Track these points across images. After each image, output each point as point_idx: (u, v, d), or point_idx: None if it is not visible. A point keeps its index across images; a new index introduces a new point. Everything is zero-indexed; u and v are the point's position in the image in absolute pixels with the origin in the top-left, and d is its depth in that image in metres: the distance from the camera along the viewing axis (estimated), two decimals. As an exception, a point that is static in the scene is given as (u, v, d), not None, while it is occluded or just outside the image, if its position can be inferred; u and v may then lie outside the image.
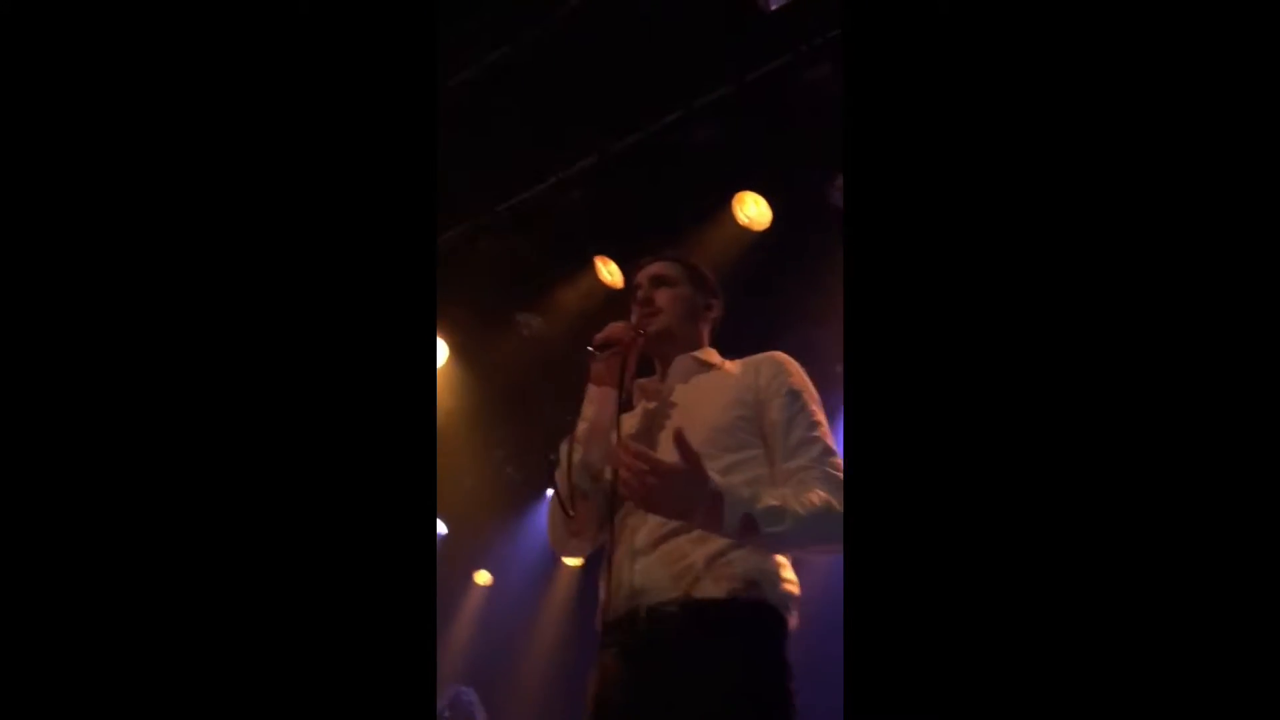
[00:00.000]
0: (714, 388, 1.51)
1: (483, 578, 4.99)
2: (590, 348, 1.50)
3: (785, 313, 3.20)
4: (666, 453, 1.41)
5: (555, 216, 3.36)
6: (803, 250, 3.19)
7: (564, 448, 1.51)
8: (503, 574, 4.87)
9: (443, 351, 3.71)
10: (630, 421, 1.57)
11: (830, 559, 1.27)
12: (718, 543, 1.32)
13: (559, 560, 4.67)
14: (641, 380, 1.59)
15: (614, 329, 1.53)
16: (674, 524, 1.34)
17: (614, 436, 1.48)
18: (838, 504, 1.29)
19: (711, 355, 1.59)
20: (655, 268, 1.63)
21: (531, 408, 3.95)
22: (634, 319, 1.57)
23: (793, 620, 1.35)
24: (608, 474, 1.47)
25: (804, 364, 1.50)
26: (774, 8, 2.64)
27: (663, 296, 1.60)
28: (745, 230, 3.16)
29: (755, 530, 1.24)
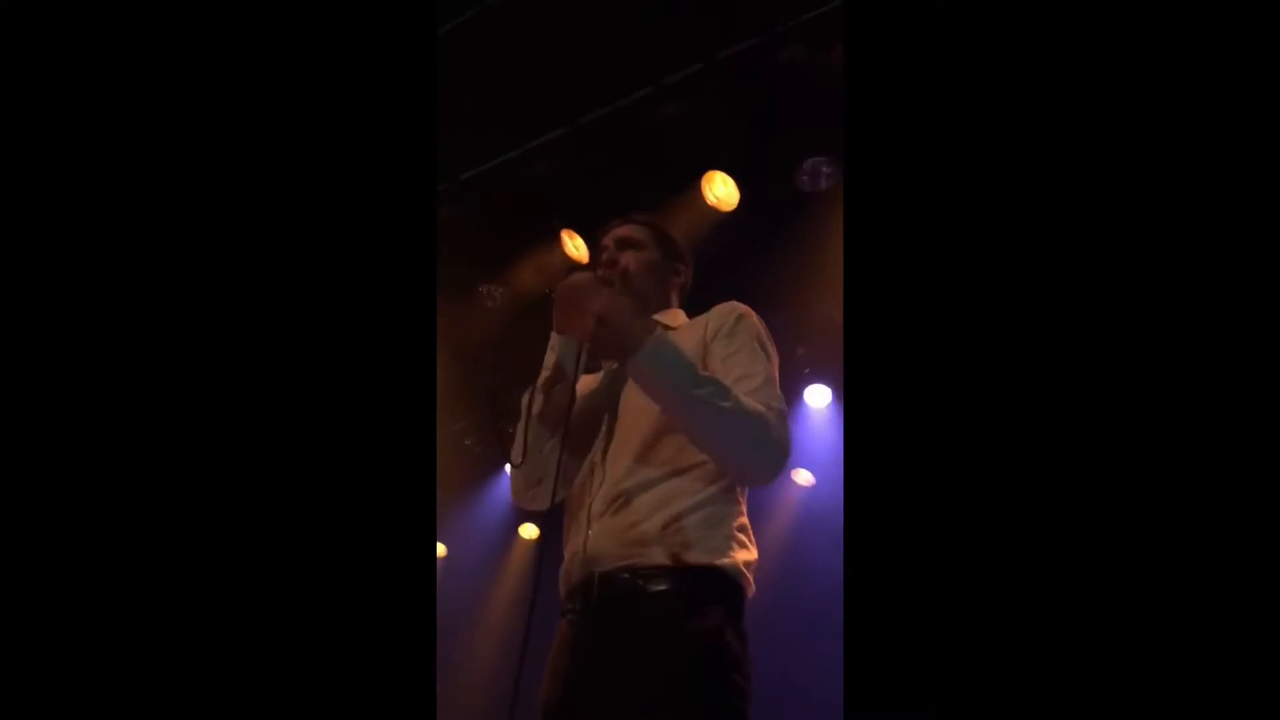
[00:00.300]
0: None
1: (438, 550, 4.98)
2: (550, 293, 1.47)
3: (750, 294, 3.20)
4: (625, 415, 1.43)
5: (521, 188, 3.33)
6: (769, 232, 3.19)
7: (525, 397, 1.49)
8: (458, 547, 4.86)
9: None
10: (591, 382, 1.57)
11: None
12: (671, 508, 1.30)
13: (515, 533, 4.66)
14: None
15: (575, 276, 1.49)
16: (627, 487, 1.33)
17: (574, 386, 1.46)
18: (741, 418, 1.26)
19: (674, 317, 1.58)
20: (623, 230, 1.62)
21: (493, 380, 3.92)
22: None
23: (749, 587, 1.33)
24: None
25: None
26: (749, -14, 2.62)
27: (629, 257, 1.58)
28: (713, 210, 3.16)
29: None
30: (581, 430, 1.48)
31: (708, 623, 1.25)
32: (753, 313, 1.48)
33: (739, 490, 1.38)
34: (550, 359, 1.50)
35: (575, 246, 3.44)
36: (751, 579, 1.34)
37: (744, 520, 1.37)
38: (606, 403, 1.49)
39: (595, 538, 1.34)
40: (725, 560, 1.30)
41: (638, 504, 1.32)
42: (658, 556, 1.28)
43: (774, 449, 1.30)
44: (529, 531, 4.66)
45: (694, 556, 1.28)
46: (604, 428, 1.47)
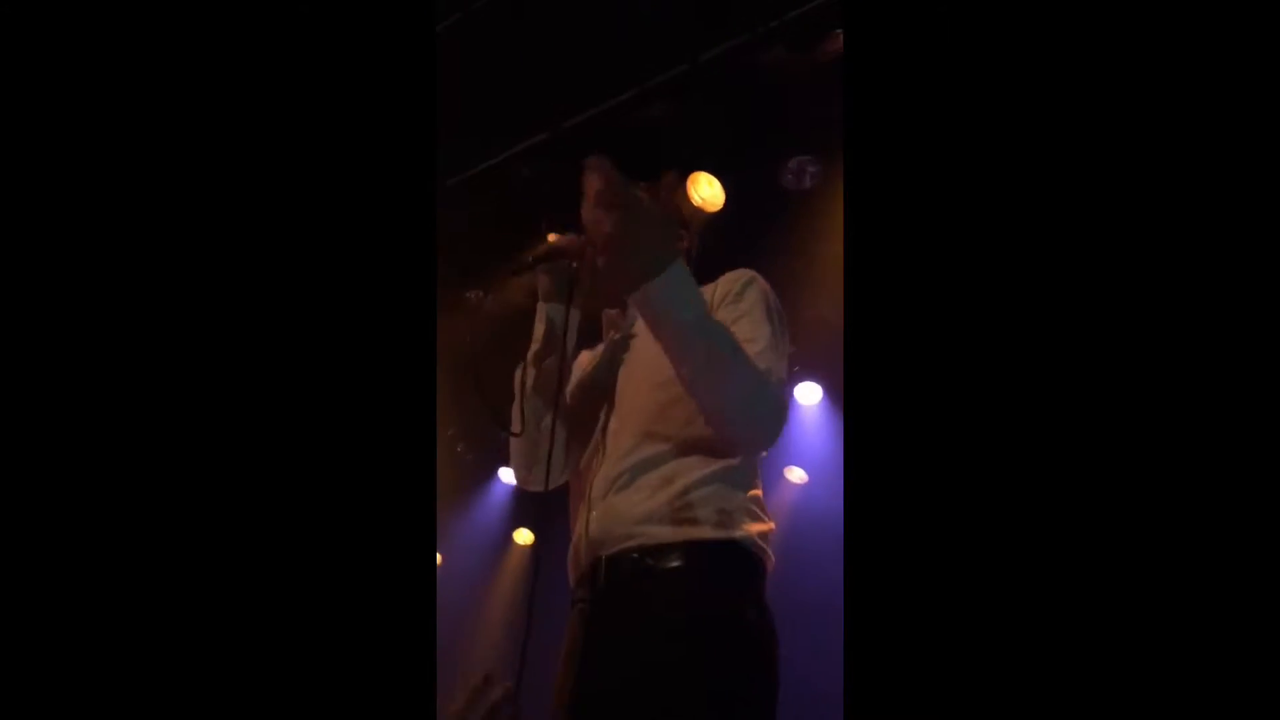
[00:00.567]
0: None
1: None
2: (531, 258, 1.39)
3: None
4: (626, 389, 1.35)
5: (507, 192, 3.32)
6: (756, 232, 3.19)
7: (517, 373, 1.42)
8: (453, 554, 4.84)
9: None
10: (591, 358, 1.49)
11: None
12: (678, 484, 1.22)
13: (510, 540, 4.65)
14: (609, 310, 1.49)
15: (559, 239, 1.40)
16: (628, 467, 1.25)
17: (566, 357, 1.38)
18: (745, 371, 1.16)
19: None
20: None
21: (483, 385, 3.91)
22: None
23: (768, 560, 1.24)
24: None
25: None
26: (729, -13, 2.63)
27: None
28: (698, 210, 3.16)
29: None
30: (583, 409, 1.41)
31: (725, 599, 1.17)
32: (762, 280, 1.39)
33: (753, 462, 1.30)
34: (539, 329, 1.42)
35: (562, 250, 3.43)
36: (770, 551, 1.25)
37: (757, 492, 1.29)
38: (607, 379, 1.40)
39: (597, 520, 1.25)
40: (739, 533, 1.21)
41: (642, 482, 1.24)
42: (666, 534, 1.20)
43: (772, 410, 1.21)
44: (524, 537, 4.65)
45: (705, 531, 1.19)
46: (605, 405, 1.38)
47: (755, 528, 1.24)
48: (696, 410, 1.23)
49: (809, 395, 3.69)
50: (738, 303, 1.34)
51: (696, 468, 1.24)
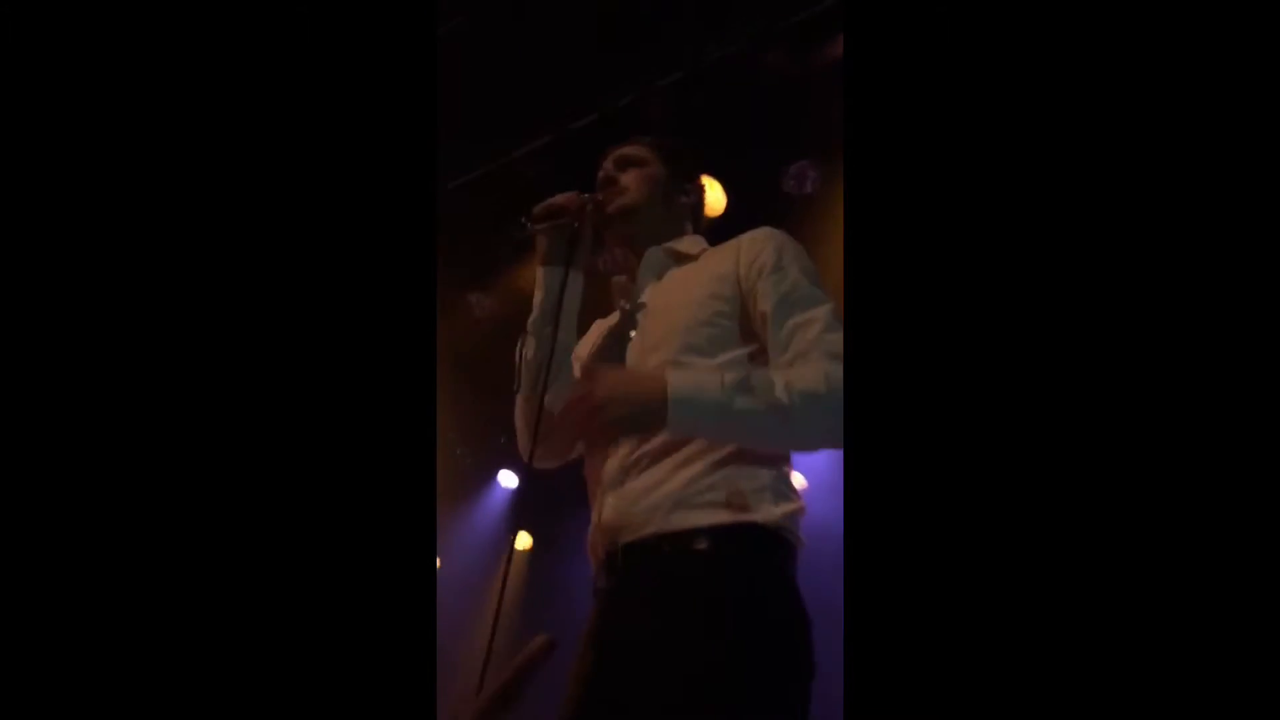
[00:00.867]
0: (690, 282, 1.27)
1: (432, 561, 4.94)
2: (526, 220, 1.30)
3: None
4: (638, 365, 1.22)
5: (509, 195, 3.33)
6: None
7: (519, 344, 1.32)
8: (452, 559, 4.84)
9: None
10: (603, 327, 1.37)
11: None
12: (696, 465, 1.14)
13: (510, 545, 4.64)
14: (617, 278, 1.38)
15: (558, 198, 1.30)
16: (643, 449, 1.16)
17: (568, 323, 1.29)
18: (827, 386, 1.08)
19: (690, 244, 1.35)
20: (624, 149, 1.40)
21: (483, 389, 3.91)
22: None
23: (797, 541, 1.16)
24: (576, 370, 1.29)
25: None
26: (732, -9, 2.63)
27: (630, 176, 1.35)
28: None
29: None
30: None
31: (751, 586, 1.09)
32: (786, 236, 1.27)
33: None
34: (538, 296, 1.33)
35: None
36: (799, 532, 1.17)
37: (784, 470, 1.20)
38: (618, 354, 1.28)
39: (614, 506, 1.17)
40: (764, 515, 1.13)
41: (661, 465, 1.15)
42: (687, 519, 1.11)
43: (820, 422, 1.10)
44: (523, 542, 4.64)
45: (728, 515, 1.11)
46: None
47: (782, 508, 1.15)
48: None
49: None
50: (780, 275, 1.19)
51: (717, 448, 1.16)
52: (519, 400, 1.34)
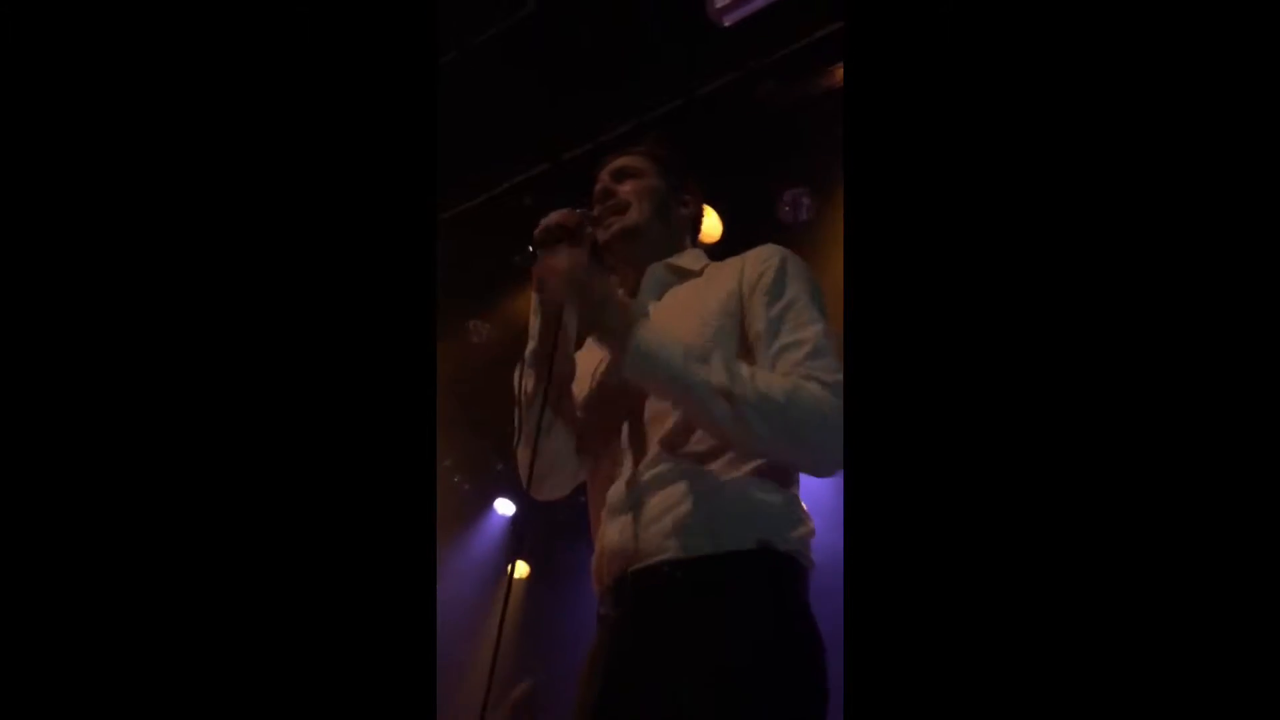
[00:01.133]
0: (692, 300, 1.24)
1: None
2: (531, 248, 1.23)
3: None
4: (646, 395, 1.19)
5: (507, 223, 3.35)
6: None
7: (515, 374, 1.28)
8: (450, 587, 4.81)
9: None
10: (600, 352, 1.32)
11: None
12: (704, 490, 1.11)
13: (508, 573, 4.62)
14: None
15: (556, 216, 1.24)
16: (658, 472, 1.14)
17: (567, 354, 1.25)
18: (804, 404, 1.06)
19: (691, 259, 1.32)
20: (619, 160, 1.37)
21: (481, 416, 3.91)
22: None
23: (808, 565, 1.14)
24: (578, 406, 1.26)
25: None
26: (727, 24, 2.67)
27: (628, 189, 1.32)
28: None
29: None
30: (599, 409, 1.28)
31: (765, 613, 1.07)
32: (795, 257, 1.24)
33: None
34: (534, 324, 1.28)
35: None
36: (810, 555, 1.14)
37: (794, 492, 1.17)
38: (621, 377, 1.23)
39: (621, 531, 1.14)
40: (775, 539, 1.10)
41: (670, 490, 1.13)
42: (696, 545, 1.09)
43: (764, 426, 1.07)
44: (520, 570, 4.62)
45: (738, 541, 1.09)
46: (623, 405, 1.24)
47: (794, 532, 1.13)
48: None
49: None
50: (776, 293, 1.18)
51: (726, 471, 1.13)
52: (519, 451, 1.31)
